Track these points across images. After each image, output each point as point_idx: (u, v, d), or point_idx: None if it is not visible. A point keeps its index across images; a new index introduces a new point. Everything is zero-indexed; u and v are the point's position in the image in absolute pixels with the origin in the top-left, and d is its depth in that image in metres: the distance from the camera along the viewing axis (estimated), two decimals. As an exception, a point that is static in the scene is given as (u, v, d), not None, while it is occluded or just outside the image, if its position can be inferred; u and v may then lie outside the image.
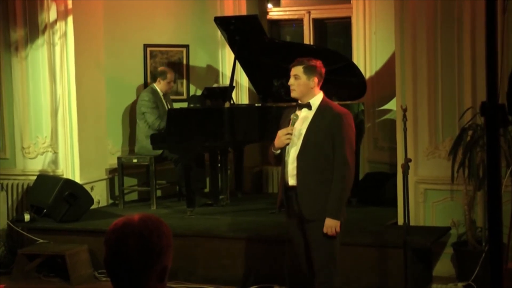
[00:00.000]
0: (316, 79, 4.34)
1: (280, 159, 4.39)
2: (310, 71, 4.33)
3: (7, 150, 7.33)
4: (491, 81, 1.77)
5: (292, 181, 4.33)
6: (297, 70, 4.35)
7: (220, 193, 7.39)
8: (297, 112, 4.37)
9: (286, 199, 4.39)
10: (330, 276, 4.36)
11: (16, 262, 6.33)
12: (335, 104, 4.48)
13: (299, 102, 4.41)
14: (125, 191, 7.55)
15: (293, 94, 4.40)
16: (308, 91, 4.35)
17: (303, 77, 4.33)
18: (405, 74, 6.07)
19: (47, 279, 6.27)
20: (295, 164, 4.30)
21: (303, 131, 4.31)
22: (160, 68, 7.83)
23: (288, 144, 4.28)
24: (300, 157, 4.29)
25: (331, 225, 4.23)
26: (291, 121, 4.32)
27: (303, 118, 4.35)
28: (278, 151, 4.33)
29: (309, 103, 4.36)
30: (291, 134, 4.26)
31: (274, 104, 7.10)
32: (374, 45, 7.63)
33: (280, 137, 4.29)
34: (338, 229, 4.25)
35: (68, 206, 6.63)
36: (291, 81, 4.38)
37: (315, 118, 4.32)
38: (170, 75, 7.64)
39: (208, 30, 8.14)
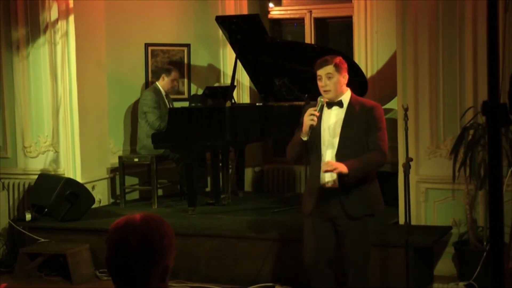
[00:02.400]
0: (347, 75, 4.28)
1: (303, 152, 4.26)
2: (340, 68, 4.23)
3: (8, 149, 7.33)
4: (493, 80, 1.77)
5: (330, 182, 4.22)
6: (329, 69, 4.20)
7: (222, 192, 7.39)
8: (326, 110, 4.25)
9: (320, 201, 4.25)
10: (366, 277, 4.35)
11: (17, 261, 6.33)
12: (363, 98, 4.41)
13: (327, 100, 4.24)
14: (127, 190, 7.55)
15: (329, 95, 4.22)
16: (342, 89, 4.26)
17: (336, 75, 4.21)
18: (407, 74, 6.07)
19: (49, 278, 6.27)
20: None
21: (338, 130, 4.21)
22: (166, 66, 7.84)
23: (313, 125, 4.10)
24: (339, 155, 4.18)
25: (338, 166, 4.06)
26: (318, 103, 4.18)
27: (335, 117, 4.25)
28: (306, 137, 4.16)
29: (340, 100, 4.25)
30: (315, 115, 4.10)
31: (276, 103, 7.11)
32: (375, 44, 7.64)
33: (305, 119, 4.14)
34: (341, 169, 4.05)
35: (70, 205, 6.63)
36: (324, 82, 4.20)
37: (348, 115, 4.22)
38: (174, 73, 7.64)
39: (210, 29, 8.14)
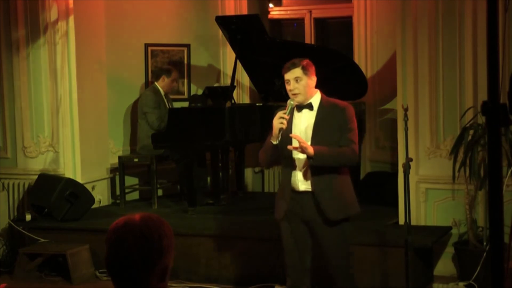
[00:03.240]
0: (315, 77, 4.22)
1: (275, 156, 4.21)
2: (308, 70, 4.17)
3: (8, 149, 7.33)
4: (493, 80, 1.77)
5: (303, 186, 4.17)
6: (297, 73, 4.15)
7: (221, 192, 7.39)
8: (296, 114, 4.22)
9: (293, 205, 4.21)
10: (352, 278, 4.32)
11: (17, 262, 6.33)
12: (334, 98, 4.32)
13: (297, 103, 4.20)
14: (126, 191, 7.55)
15: (298, 98, 4.16)
16: (311, 91, 4.21)
17: (305, 78, 4.15)
18: (406, 74, 6.07)
19: (49, 278, 6.27)
20: (307, 167, 4.14)
21: (309, 132, 4.16)
22: (165, 66, 7.84)
23: (282, 128, 4.05)
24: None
25: (307, 146, 4.00)
26: (287, 106, 4.12)
27: (306, 120, 4.20)
28: (276, 141, 4.11)
29: (310, 103, 4.21)
30: (284, 118, 4.05)
31: (276, 103, 7.10)
32: (375, 44, 7.63)
33: (274, 122, 4.10)
34: (307, 147, 4.00)
35: (69, 205, 6.63)
36: (293, 85, 4.14)
37: (319, 117, 4.18)
38: (174, 74, 7.65)
39: (209, 30, 8.15)
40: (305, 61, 4.21)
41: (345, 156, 4.13)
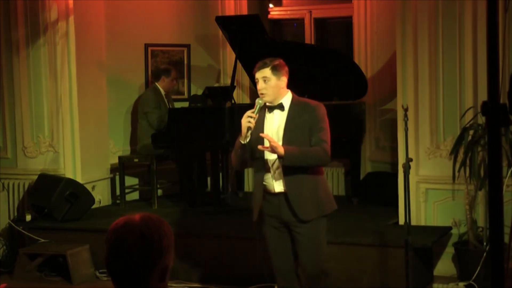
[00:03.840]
0: (286, 78, 4.19)
1: (245, 157, 4.17)
2: (277, 70, 4.14)
3: (8, 149, 7.33)
4: (493, 80, 1.77)
5: (278, 187, 4.15)
6: (265, 72, 4.11)
7: (221, 192, 7.39)
8: (268, 115, 4.20)
9: (269, 207, 4.21)
10: (326, 275, 4.31)
11: (17, 262, 6.33)
12: (305, 98, 4.31)
13: (268, 104, 4.18)
14: (126, 191, 7.55)
15: (267, 99, 4.14)
16: (280, 91, 4.16)
17: (273, 78, 4.12)
18: (406, 74, 6.07)
19: (49, 279, 6.27)
20: (280, 168, 4.12)
21: (280, 133, 4.14)
22: (163, 66, 7.84)
23: (250, 127, 4.03)
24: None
25: (277, 146, 3.97)
26: (256, 105, 4.10)
27: (277, 121, 4.18)
28: (244, 141, 4.08)
29: (281, 103, 4.18)
30: (252, 117, 4.04)
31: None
32: (375, 44, 7.63)
33: (242, 122, 4.06)
34: (278, 147, 3.98)
35: (70, 205, 6.63)
36: (261, 85, 4.12)
37: (290, 117, 4.15)
38: (174, 73, 7.67)
39: (210, 30, 8.15)
40: (277, 61, 4.18)
41: (316, 156, 4.10)
